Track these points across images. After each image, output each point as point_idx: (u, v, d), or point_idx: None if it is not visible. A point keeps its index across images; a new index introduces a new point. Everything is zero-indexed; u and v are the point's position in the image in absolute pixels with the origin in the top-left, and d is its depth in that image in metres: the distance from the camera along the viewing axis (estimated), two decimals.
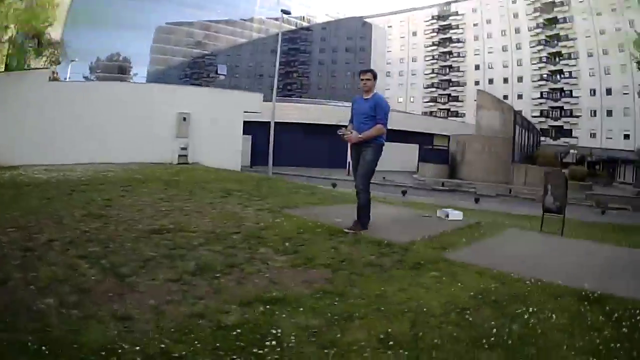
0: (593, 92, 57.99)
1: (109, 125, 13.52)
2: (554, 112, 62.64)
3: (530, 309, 2.95)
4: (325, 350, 2.33)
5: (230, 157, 15.70)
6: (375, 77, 5.83)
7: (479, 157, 27.11)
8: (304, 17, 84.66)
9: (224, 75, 45.96)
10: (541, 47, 64.87)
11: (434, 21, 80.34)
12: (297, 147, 31.40)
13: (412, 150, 34.42)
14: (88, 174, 9.64)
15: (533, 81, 65.29)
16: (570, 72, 61.12)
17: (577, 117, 60.24)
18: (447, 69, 78.04)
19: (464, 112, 71.18)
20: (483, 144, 27.17)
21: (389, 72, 79.79)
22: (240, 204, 6.55)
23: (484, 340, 2.50)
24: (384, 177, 23.43)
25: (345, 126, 5.76)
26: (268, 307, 2.83)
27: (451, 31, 77.76)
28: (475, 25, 73.58)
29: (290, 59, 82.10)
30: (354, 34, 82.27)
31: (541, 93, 64.37)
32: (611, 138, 55.76)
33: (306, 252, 4.16)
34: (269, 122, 24.14)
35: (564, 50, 62.31)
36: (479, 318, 2.81)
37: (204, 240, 4.37)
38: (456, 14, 77.28)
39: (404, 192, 19.19)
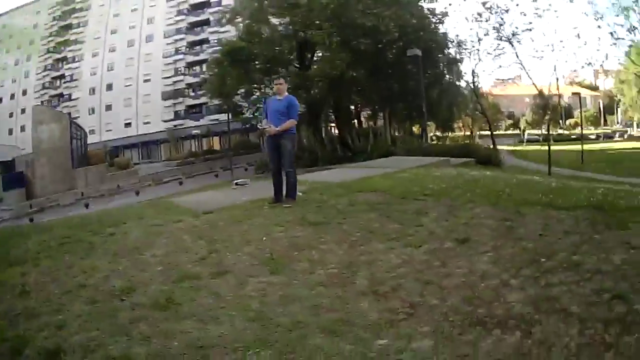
0: (92, 91, 64.83)
1: None
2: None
3: None
4: None
5: None
6: (286, 81, 7.62)
7: (47, 171, 29.81)
8: None
9: None
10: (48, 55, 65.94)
11: None
12: None
13: None
14: None
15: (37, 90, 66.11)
16: (71, 75, 64.78)
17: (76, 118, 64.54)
18: None
19: None
20: (47, 157, 29.72)
21: None
22: None
23: None
24: None
25: (268, 124, 6.82)
26: None
27: None
28: None
29: None
30: None
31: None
32: (111, 130, 61.04)
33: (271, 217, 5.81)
34: None
35: (69, 55, 65.00)
36: None
37: None
38: None
39: None
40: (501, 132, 67.95)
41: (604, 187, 7.02)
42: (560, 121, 67.24)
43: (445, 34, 28.29)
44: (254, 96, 29.82)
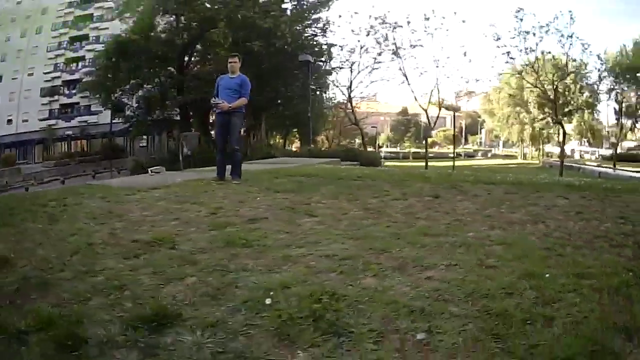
0: None
1: None
2: None
3: None
4: None
5: None
6: (240, 59, 7.18)
7: None
8: None
9: None
10: None
11: None
12: None
13: None
14: None
15: None
16: None
17: None
18: None
19: None
20: None
21: None
22: None
23: None
24: None
25: (219, 100, 6.79)
26: None
27: None
28: None
29: None
30: None
31: None
32: None
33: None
34: None
35: None
36: None
37: None
38: None
39: None
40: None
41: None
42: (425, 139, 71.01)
43: (329, 44, 28.87)
44: (140, 92, 28.59)
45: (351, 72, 30.42)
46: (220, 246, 3.32)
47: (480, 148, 77.87)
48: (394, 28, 28.65)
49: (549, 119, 43.11)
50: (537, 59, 30.08)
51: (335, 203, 5.07)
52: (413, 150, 62.22)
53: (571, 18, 30.44)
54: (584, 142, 54.31)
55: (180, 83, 24.47)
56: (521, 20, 29.02)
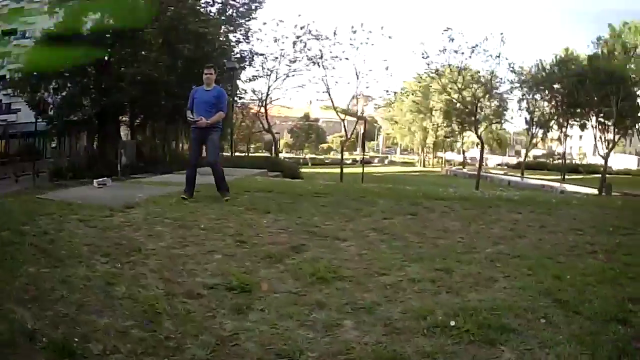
0: None
1: None
2: None
3: None
4: None
5: None
6: (216, 71, 6.96)
7: None
8: None
9: None
10: None
11: None
12: None
13: None
14: None
15: None
16: None
17: None
18: None
19: None
20: None
21: None
22: None
23: None
24: None
25: (196, 117, 6.46)
26: None
27: None
28: None
29: None
30: None
31: None
32: None
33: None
34: None
35: None
36: None
37: None
38: None
39: None
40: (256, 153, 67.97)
41: None
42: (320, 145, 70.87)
43: (253, 51, 28.66)
44: (64, 92, 26.28)
45: (269, 78, 30.50)
46: (314, 282, 3.18)
47: (377, 154, 79.21)
48: (319, 38, 29.15)
49: (455, 126, 46.28)
50: (452, 68, 31.78)
51: (343, 225, 5.19)
52: (310, 156, 61.95)
53: (502, 40, 32.59)
54: (486, 149, 58.11)
55: (99, 84, 22.84)
56: (452, 40, 30.76)
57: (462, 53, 29.95)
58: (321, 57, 29.09)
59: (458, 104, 39.65)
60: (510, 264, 3.76)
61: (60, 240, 4.12)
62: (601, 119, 32.18)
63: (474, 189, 21.21)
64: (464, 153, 56.57)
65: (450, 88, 40.24)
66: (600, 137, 33.08)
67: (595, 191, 27.39)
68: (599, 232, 5.48)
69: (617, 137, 28.07)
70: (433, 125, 50.33)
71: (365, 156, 76.79)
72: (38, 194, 7.95)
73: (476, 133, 26.56)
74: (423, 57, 30.25)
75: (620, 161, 41.39)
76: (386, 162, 69.78)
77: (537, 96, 33.68)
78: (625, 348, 2.26)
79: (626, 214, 7.13)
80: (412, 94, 49.47)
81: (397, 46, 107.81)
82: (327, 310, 2.71)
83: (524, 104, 34.24)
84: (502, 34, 34.11)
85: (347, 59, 29.39)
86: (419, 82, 43.69)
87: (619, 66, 28.68)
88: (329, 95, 30.28)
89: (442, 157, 61.55)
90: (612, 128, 31.13)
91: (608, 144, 32.27)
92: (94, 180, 8.72)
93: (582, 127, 36.07)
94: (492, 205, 7.33)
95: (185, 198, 6.44)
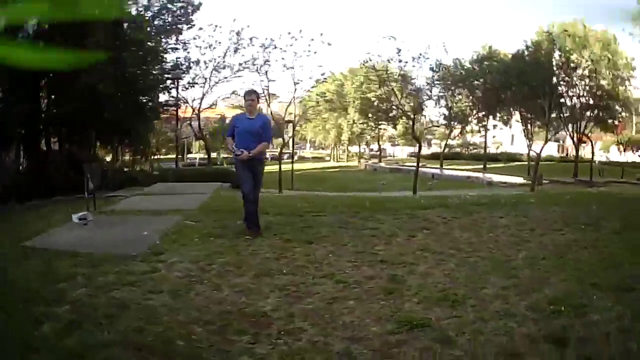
0: None
1: None
2: None
3: None
4: None
5: None
6: (259, 98, 6.60)
7: None
8: None
9: None
10: None
11: None
12: None
13: None
14: None
15: None
16: None
17: None
18: None
19: None
20: None
21: None
22: None
23: None
24: None
25: (238, 150, 6.02)
26: None
27: None
28: None
29: None
30: None
31: None
32: None
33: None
34: None
35: None
36: None
37: None
38: None
39: None
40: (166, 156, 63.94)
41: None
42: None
43: (189, 59, 27.00)
44: None
45: (204, 86, 29.65)
46: (449, 306, 3.56)
47: (286, 151, 78.61)
48: (251, 41, 28.66)
49: (371, 123, 48.05)
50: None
51: (390, 248, 5.63)
52: (224, 156, 60.76)
53: (445, 51, 33.72)
54: (400, 141, 60.37)
55: (37, 94, 20.83)
56: (399, 50, 31.38)
57: (406, 62, 31.09)
58: (254, 64, 28.75)
59: (375, 102, 41.38)
60: (546, 265, 4.79)
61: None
62: (525, 114, 34.40)
63: (407, 187, 22.17)
64: (380, 148, 58.93)
65: (367, 87, 41.84)
66: (525, 130, 35.60)
67: (521, 179, 29.64)
68: (575, 230, 6.57)
69: (546, 130, 29.53)
70: (348, 122, 51.73)
71: (273, 153, 76.04)
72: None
73: (413, 132, 27.55)
74: (370, 68, 30.28)
75: (543, 149, 43.82)
76: (296, 157, 69.83)
77: (458, 93, 35.19)
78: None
79: (581, 210, 8.41)
80: (326, 94, 50.08)
81: (338, 53, 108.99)
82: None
83: (442, 102, 35.95)
84: (444, 43, 36.20)
85: (285, 66, 29.10)
86: (334, 81, 44.55)
87: (544, 63, 30.62)
88: (267, 100, 29.75)
89: (356, 152, 63.67)
90: (538, 122, 33.61)
91: (531, 137, 35.00)
92: (73, 216, 7.62)
93: (506, 122, 38.67)
94: (472, 211, 8.26)
95: (250, 238, 5.87)
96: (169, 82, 24.71)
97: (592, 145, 33.19)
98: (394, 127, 46.24)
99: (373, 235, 6.26)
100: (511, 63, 32.46)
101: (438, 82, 30.81)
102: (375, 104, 41.17)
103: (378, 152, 59.17)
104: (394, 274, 4.41)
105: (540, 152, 27.89)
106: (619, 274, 4.32)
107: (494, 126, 41.15)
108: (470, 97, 35.06)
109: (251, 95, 6.32)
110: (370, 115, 46.59)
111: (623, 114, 36.05)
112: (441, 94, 33.83)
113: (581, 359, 2.70)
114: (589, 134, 34.25)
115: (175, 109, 27.25)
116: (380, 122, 48.43)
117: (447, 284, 4.11)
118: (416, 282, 4.15)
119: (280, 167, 26.67)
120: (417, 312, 3.44)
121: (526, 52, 32.30)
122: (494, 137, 47.38)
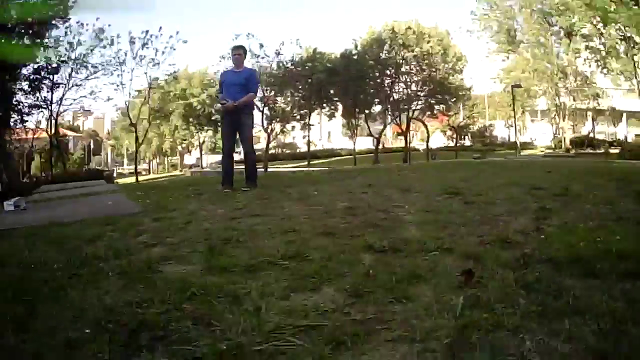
0: None
1: None
2: None
3: None
4: None
5: None
6: (245, 52, 6.64)
7: None
8: None
9: None
10: None
11: None
12: None
13: None
14: None
15: None
16: None
17: None
18: None
19: None
20: None
21: None
22: None
23: None
24: None
25: (224, 99, 6.00)
26: None
27: None
28: None
29: None
30: None
31: None
32: None
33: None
34: None
35: None
36: None
37: None
38: None
39: None
40: None
41: None
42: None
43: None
44: None
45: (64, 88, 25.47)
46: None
47: (106, 169, 73.28)
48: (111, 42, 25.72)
49: (192, 128, 46.92)
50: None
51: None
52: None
53: (299, 46, 33.05)
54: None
55: None
56: (262, 46, 31.02)
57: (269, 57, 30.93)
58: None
59: (198, 106, 40.65)
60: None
61: None
62: (349, 107, 35.50)
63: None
64: (201, 153, 57.57)
65: (190, 92, 40.94)
66: (349, 123, 37.69)
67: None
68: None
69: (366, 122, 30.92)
70: (170, 130, 49.39)
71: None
72: None
73: (354, 139, 27.51)
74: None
75: (362, 143, 45.02)
76: (114, 175, 65.11)
77: (280, 93, 35.97)
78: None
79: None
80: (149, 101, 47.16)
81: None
82: None
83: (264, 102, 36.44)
84: (298, 39, 36.24)
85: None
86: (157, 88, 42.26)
87: (369, 60, 32.89)
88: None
89: (176, 161, 61.56)
90: (358, 115, 35.55)
91: (355, 130, 36.97)
92: (5, 203, 6.35)
93: (331, 116, 40.62)
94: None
95: (227, 191, 5.85)
96: None
97: (427, 130, 33.34)
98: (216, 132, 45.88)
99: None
100: (337, 60, 34.48)
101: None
102: (198, 108, 40.81)
103: (200, 159, 57.76)
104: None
105: (379, 141, 29.15)
106: None
107: (310, 126, 42.30)
108: (295, 95, 35.70)
109: (238, 50, 6.48)
110: (191, 119, 45.75)
111: (454, 101, 38.21)
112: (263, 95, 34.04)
113: None
114: (423, 119, 35.57)
115: None
116: (202, 128, 47.80)
117: None
118: None
119: None
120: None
121: (354, 51, 34.49)
122: (304, 136, 47.79)
